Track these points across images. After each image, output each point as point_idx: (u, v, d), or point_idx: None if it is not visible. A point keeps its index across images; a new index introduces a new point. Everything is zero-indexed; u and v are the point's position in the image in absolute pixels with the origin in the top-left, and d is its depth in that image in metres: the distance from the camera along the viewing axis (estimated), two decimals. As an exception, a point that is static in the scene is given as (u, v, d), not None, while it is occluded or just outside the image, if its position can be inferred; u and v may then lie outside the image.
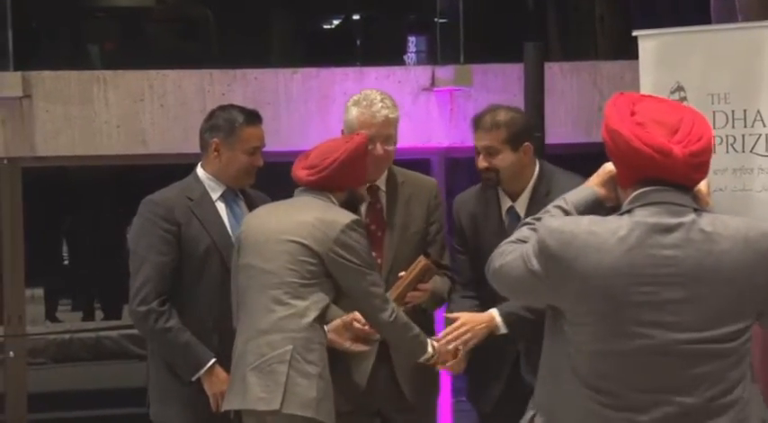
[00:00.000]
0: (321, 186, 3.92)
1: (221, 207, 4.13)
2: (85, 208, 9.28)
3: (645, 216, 2.76)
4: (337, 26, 8.48)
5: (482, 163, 4.10)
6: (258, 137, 4.14)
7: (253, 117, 4.17)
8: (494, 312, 4.00)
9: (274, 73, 6.92)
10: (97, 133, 6.69)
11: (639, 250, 2.73)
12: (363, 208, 4.22)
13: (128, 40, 7.98)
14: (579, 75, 7.34)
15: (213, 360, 4.01)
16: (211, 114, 4.20)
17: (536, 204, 4.05)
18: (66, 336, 6.92)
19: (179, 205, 4.07)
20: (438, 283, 4.16)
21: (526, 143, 4.13)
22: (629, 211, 2.80)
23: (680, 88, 4.70)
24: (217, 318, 4.05)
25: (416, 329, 3.89)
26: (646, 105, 2.86)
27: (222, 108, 4.22)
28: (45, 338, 6.90)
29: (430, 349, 3.92)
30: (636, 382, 2.75)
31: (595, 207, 2.99)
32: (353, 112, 4.18)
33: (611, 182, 3.01)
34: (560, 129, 6.98)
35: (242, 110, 4.19)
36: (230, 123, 4.11)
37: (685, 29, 4.79)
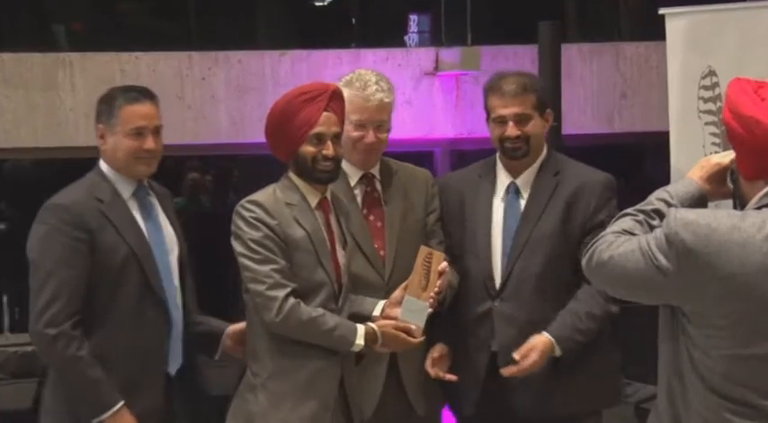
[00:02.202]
0: (282, 161, 3.94)
1: (134, 208, 3.96)
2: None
3: None
4: (330, 3, 8.45)
5: (513, 131, 4.15)
6: (141, 115, 3.91)
7: (136, 94, 3.96)
8: (551, 340, 4.05)
9: (260, 55, 6.91)
10: (63, 123, 6.69)
11: None
12: (359, 198, 4.23)
13: (97, 19, 7.91)
14: (600, 57, 7.34)
15: (121, 403, 3.81)
16: (98, 100, 4.02)
17: (543, 183, 4.19)
18: (29, 348, 6.89)
19: (89, 209, 3.85)
20: (451, 273, 4.17)
21: (548, 110, 4.24)
22: None
23: (711, 73, 4.70)
24: (131, 339, 3.86)
25: (330, 323, 3.81)
26: None
27: (108, 90, 4.03)
28: (5, 351, 6.89)
29: (359, 341, 3.84)
30: None
31: (700, 203, 3.02)
32: (344, 93, 4.17)
33: (718, 176, 3.05)
34: (579, 117, 6.98)
35: (125, 88, 4.02)
36: (109, 104, 3.94)
37: (717, 6, 4.78)
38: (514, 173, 4.22)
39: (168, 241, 3.98)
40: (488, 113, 4.24)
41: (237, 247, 3.82)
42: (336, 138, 3.90)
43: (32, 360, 6.81)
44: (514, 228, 4.18)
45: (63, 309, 3.77)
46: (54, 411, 3.90)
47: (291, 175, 3.92)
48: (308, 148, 3.86)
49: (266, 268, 3.78)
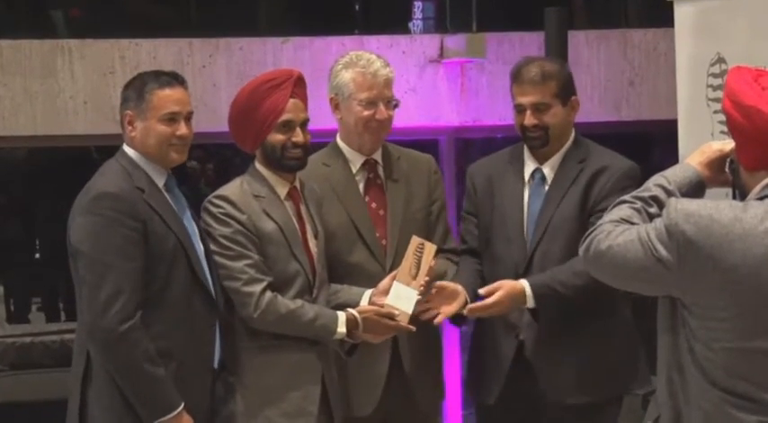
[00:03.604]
0: (248, 152, 3.96)
1: (168, 199, 3.89)
2: (56, 194, 9.23)
3: None
4: (333, -11, 8.43)
5: (530, 120, 4.17)
6: (174, 100, 3.85)
7: (168, 78, 3.89)
8: (525, 285, 4.04)
9: (262, 42, 6.88)
10: (62, 110, 6.65)
11: None
12: (362, 185, 4.24)
13: (96, 5, 7.87)
14: (607, 44, 7.31)
15: (183, 404, 3.74)
16: (125, 85, 3.97)
17: (567, 169, 4.22)
18: (27, 339, 6.89)
19: (136, 197, 3.78)
20: (440, 265, 4.21)
21: (574, 97, 4.25)
22: None
23: (721, 60, 4.69)
24: (185, 333, 3.79)
25: (310, 313, 3.83)
26: None
27: (136, 75, 3.98)
28: (3, 342, 6.87)
29: (341, 328, 3.86)
30: None
31: (698, 189, 3.03)
32: (347, 74, 4.15)
33: (718, 162, 3.06)
34: (585, 105, 6.92)
35: (156, 72, 3.94)
36: (139, 89, 3.87)
37: (727, -8, 4.77)
38: (540, 159, 4.26)
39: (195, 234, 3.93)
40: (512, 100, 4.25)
41: (211, 244, 3.84)
42: (304, 124, 3.92)
43: (31, 352, 6.85)
44: (537, 213, 4.21)
45: (129, 302, 3.66)
46: (109, 413, 3.75)
47: (258, 166, 3.93)
48: (277, 136, 3.87)
49: (240, 264, 3.80)
